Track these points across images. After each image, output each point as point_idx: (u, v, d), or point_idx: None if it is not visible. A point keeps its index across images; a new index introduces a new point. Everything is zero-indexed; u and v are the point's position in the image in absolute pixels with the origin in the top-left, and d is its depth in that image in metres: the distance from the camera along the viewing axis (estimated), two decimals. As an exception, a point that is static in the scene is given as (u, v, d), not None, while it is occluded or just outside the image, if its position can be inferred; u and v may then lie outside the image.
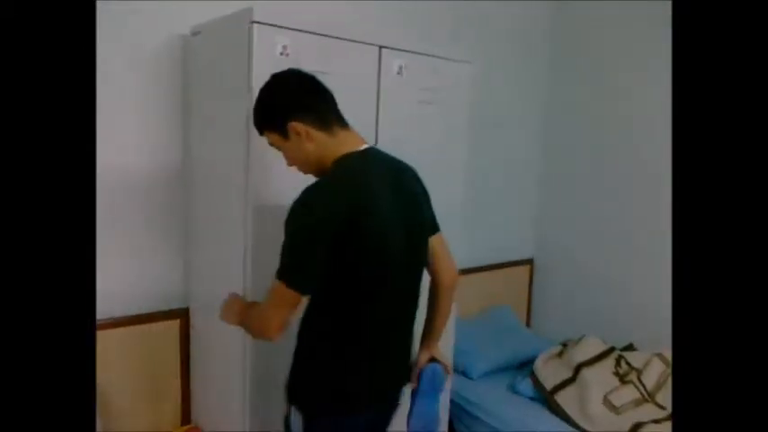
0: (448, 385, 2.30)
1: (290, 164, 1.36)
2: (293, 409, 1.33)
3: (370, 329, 1.32)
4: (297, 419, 1.32)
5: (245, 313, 1.37)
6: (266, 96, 1.31)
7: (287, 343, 1.55)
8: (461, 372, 2.54)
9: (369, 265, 1.25)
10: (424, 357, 1.50)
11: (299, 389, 1.34)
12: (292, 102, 1.29)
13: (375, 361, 1.35)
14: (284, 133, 1.28)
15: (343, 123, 1.33)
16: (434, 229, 1.48)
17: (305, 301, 1.27)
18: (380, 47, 1.76)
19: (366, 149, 1.32)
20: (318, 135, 1.28)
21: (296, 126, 1.26)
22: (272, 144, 1.34)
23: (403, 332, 1.43)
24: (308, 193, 1.23)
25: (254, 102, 1.34)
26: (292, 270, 1.21)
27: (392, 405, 1.45)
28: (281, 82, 1.31)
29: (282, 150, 1.33)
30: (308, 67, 1.56)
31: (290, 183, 1.60)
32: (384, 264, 1.27)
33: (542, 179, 3.26)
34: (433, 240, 1.45)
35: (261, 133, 1.35)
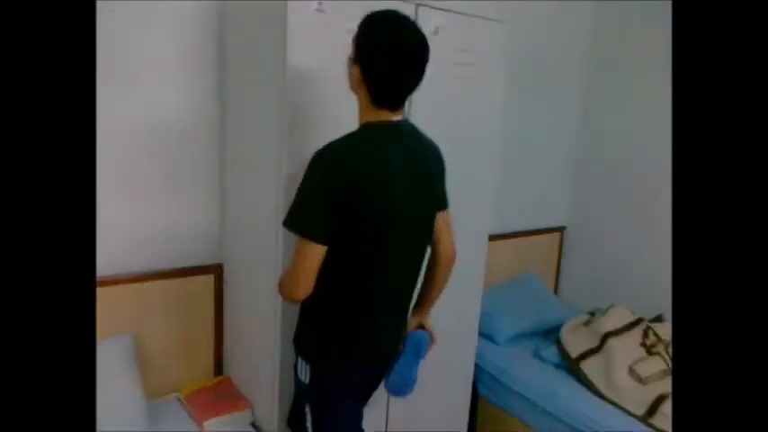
0: (480, 355, 2.32)
1: None
2: (300, 359, 1.42)
3: (375, 290, 1.38)
4: (304, 370, 1.41)
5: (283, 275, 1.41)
6: (362, 26, 1.29)
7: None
8: (487, 336, 2.56)
9: (374, 227, 1.29)
10: (414, 323, 1.59)
11: (307, 343, 1.43)
12: (366, 53, 1.28)
13: (378, 321, 1.42)
14: (352, 59, 1.32)
15: (393, 107, 1.32)
16: (443, 205, 1.51)
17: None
18: (417, 4, 1.71)
19: (394, 122, 1.33)
20: (365, 96, 1.31)
21: (355, 70, 1.29)
22: None
23: (404, 296, 1.49)
24: (324, 150, 1.28)
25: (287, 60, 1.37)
26: (298, 218, 1.27)
27: (389, 361, 1.53)
28: (377, 29, 1.28)
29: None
30: (344, 24, 1.54)
31: (324, 138, 1.60)
32: (389, 227, 1.30)
33: (578, 147, 3.19)
34: (439, 217, 1.49)
35: None
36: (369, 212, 1.27)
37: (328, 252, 1.27)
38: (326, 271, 1.29)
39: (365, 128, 1.32)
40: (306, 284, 1.29)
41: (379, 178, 1.26)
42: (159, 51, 1.82)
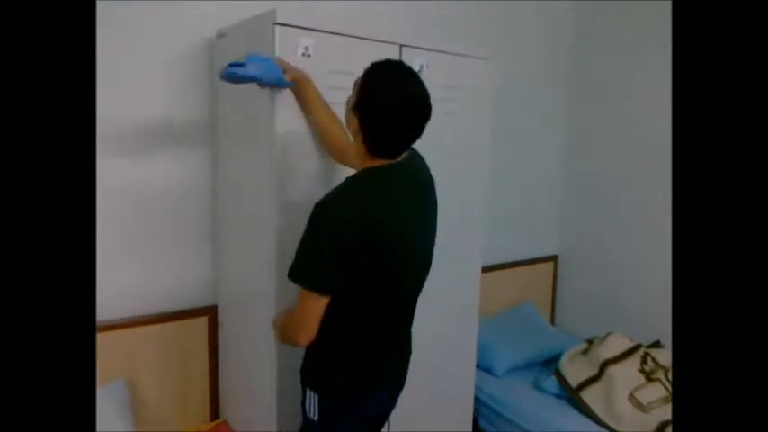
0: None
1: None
2: (308, 391, 1.40)
3: (383, 324, 1.39)
4: (312, 401, 1.39)
5: (284, 319, 1.42)
6: (366, 76, 1.27)
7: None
8: (486, 369, 2.54)
9: (381, 268, 1.29)
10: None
11: (315, 373, 1.41)
12: (367, 106, 1.24)
13: (385, 350, 1.43)
14: (353, 107, 1.27)
15: (392, 157, 1.30)
16: None
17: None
18: (401, 45, 1.76)
19: (393, 164, 1.31)
20: (362, 144, 1.29)
21: (354, 119, 1.27)
22: None
23: (408, 322, 1.49)
24: (328, 200, 1.26)
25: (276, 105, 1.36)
26: (304, 271, 1.25)
27: (398, 387, 1.52)
28: (381, 83, 1.24)
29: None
30: (330, 67, 1.59)
31: (316, 179, 1.62)
32: (399, 268, 1.32)
33: (567, 175, 3.23)
34: None
35: None
36: (375, 258, 1.26)
37: (340, 289, 1.27)
38: (339, 304, 1.29)
39: (365, 174, 1.30)
40: (311, 333, 1.29)
41: (383, 225, 1.25)
42: (148, 105, 1.85)
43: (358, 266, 1.25)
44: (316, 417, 1.39)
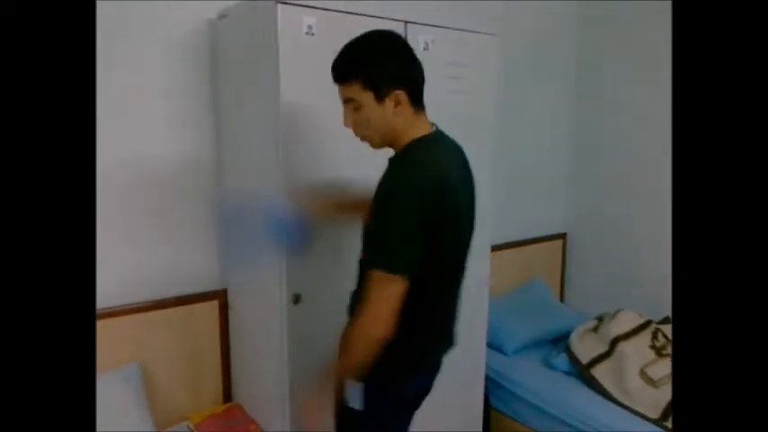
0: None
1: (359, 131, 1.29)
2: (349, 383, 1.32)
3: (435, 307, 1.35)
4: (356, 391, 1.30)
5: (342, 353, 1.32)
6: (378, 54, 1.24)
7: (323, 321, 1.58)
8: (496, 348, 2.55)
9: (447, 249, 1.27)
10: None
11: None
12: (407, 70, 1.25)
13: (435, 335, 1.40)
14: (380, 97, 1.22)
15: (422, 105, 1.32)
16: None
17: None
18: (406, 22, 1.74)
19: (435, 134, 1.31)
20: (409, 111, 1.27)
21: (399, 96, 1.23)
22: (346, 101, 1.26)
23: (456, 305, 1.44)
24: (399, 178, 1.22)
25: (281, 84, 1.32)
26: (393, 256, 1.18)
27: (437, 370, 1.48)
28: (397, 46, 1.26)
29: (360, 113, 1.25)
30: (334, 45, 1.57)
31: (321, 161, 1.60)
32: (458, 247, 1.32)
33: (575, 152, 3.20)
34: None
35: (341, 83, 1.26)
36: (448, 237, 1.24)
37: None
38: None
39: (415, 146, 1.27)
40: (391, 324, 1.19)
41: (448, 196, 1.21)
42: (150, 89, 1.83)
43: (429, 244, 1.19)
44: (360, 406, 1.31)
